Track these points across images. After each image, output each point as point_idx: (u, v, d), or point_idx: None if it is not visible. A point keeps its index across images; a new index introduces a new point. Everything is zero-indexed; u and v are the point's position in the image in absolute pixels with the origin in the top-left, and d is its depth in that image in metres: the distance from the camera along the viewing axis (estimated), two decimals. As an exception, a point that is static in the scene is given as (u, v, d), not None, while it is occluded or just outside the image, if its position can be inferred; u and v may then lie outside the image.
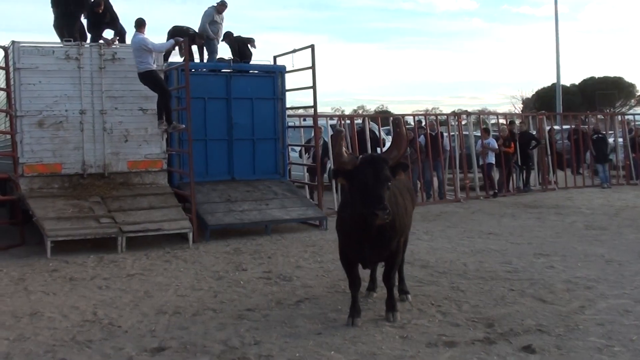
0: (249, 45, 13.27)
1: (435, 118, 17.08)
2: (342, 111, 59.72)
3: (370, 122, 16.22)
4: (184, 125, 11.24)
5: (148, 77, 10.98)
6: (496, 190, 16.39)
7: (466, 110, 17.59)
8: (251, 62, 13.33)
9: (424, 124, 17.64)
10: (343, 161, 5.64)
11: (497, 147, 16.55)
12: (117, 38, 11.75)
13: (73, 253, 9.56)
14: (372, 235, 5.74)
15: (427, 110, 56.42)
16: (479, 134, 17.07)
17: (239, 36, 13.36)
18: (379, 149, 15.46)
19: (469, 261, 8.76)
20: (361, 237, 5.79)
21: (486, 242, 10.17)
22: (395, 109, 73.94)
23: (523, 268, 8.28)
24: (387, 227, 5.74)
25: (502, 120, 18.86)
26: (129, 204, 10.79)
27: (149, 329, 6.05)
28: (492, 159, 16.49)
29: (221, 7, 13.34)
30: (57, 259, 9.20)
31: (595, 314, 6.24)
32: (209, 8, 13.26)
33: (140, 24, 11.02)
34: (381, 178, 5.43)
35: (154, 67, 11.12)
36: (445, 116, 17.58)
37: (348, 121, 15.64)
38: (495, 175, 17.02)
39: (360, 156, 5.75)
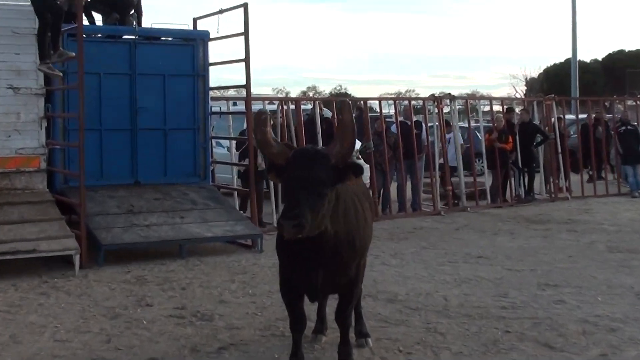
0: None
1: (409, 103, 17.17)
2: (287, 93, 60.05)
3: (324, 109, 16.24)
4: (73, 53, 11.05)
5: None
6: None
7: (449, 94, 17.72)
8: (162, 26, 13.24)
9: (393, 111, 17.77)
10: (272, 152, 5.62)
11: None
12: None
13: None
14: (324, 255, 5.69)
15: (398, 94, 57.31)
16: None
17: None
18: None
19: (451, 294, 8.78)
20: (308, 258, 5.73)
21: (474, 269, 10.23)
22: (357, 91, 74.68)
23: (523, 303, 8.33)
24: (343, 245, 5.73)
25: (497, 107, 19.16)
26: (-9, 215, 10.58)
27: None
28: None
29: None
30: None
31: (619, 365, 6.34)
32: None
33: None
34: (310, 178, 5.32)
35: None
36: (422, 101, 17.69)
37: (293, 106, 15.57)
38: (488, 179, 17.23)
39: (295, 148, 5.72)
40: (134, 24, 13.07)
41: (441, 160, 16.53)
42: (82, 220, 10.66)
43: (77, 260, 10.12)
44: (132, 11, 13.21)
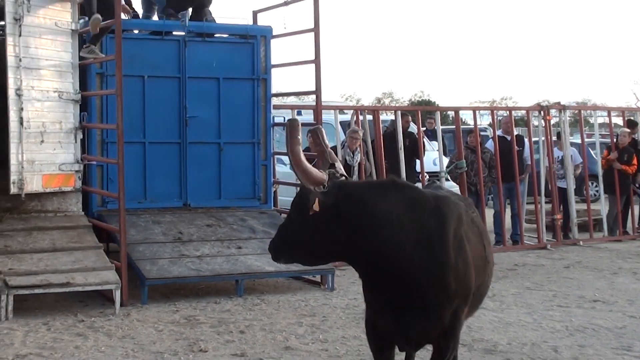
0: None
1: (509, 114, 17.16)
2: (358, 101, 60.10)
3: (410, 122, 16.25)
4: (103, 55, 11.33)
5: None
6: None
7: (558, 103, 17.65)
8: (216, 21, 13.44)
9: (489, 123, 17.77)
10: (313, 178, 5.79)
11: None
12: None
13: None
14: (408, 295, 5.79)
15: (492, 102, 56.98)
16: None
17: None
18: (418, 162, 15.58)
19: (562, 345, 8.77)
20: (391, 297, 5.85)
21: (590, 315, 10.18)
22: (442, 100, 74.13)
23: (650, 357, 8.30)
24: (433, 284, 5.79)
25: (616, 120, 18.95)
26: (19, 242, 10.83)
27: None
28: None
29: None
30: None
31: None
32: None
33: None
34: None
35: None
36: (525, 111, 17.65)
37: (370, 116, 15.68)
38: (605, 207, 17.08)
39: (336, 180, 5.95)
40: (206, 17, 13.18)
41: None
42: (122, 249, 10.78)
43: (117, 296, 10.25)
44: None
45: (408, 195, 5.90)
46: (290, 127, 5.88)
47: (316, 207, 5.62)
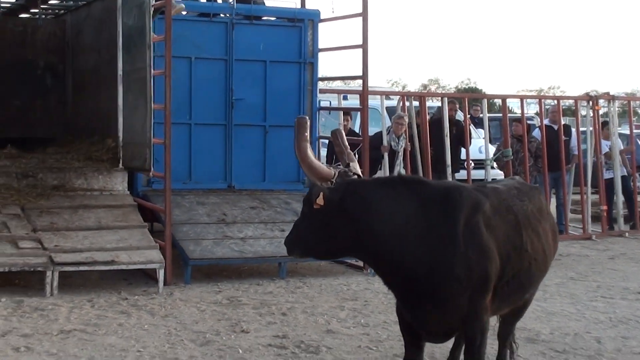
0: None
1: (557, 103, 17.08)
2: (404, 87, 59.97)
3: (458, 110, 16.22)
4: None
5: None
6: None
7: (607, 93, 17.52)
8: (265, 3, 13.48)
9: (536, 112, 17.69)
10: (318, 174, 5.99)
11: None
12: None
13: (-27, 293, 9.77)
14: (418, 289, 5.92)
15: (540, 91, 56.62)
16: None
17: None
18: (464, 150, 15.55)
19: (606, 336, 8.74)
20: (403, 291, 6.07)
21: (634, 307, 10.12)
22: (489, 88, 73.78)
23: (695, 350, 8.25)
24: (441, 275, 5.86)
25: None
26: (65, 220, 10.97)
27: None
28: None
29: None
30: (-52, 301, 9.42)
31: None
32: None
33: None
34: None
35: None
36: (573, 101, 17.54)
37: (416, 102, 15.67)
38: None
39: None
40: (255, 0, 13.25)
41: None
42: (167, 229, 10.90)
43: (161, 275, 10.36)
44: None
45: (415, 191, 6.02)
46: (299, 124, 6.06)
47: (320, 201, 5.85)
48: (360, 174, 6.29)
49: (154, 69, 11.19)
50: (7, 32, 14.63)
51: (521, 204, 6.47)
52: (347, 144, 6.41)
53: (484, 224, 6.00)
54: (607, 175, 16.52)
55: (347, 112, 15.62)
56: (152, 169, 11.12)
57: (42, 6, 14.34)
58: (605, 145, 16.63)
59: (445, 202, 5.96)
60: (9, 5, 14.45)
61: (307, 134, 5.99)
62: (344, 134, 6.57)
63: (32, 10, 14.83)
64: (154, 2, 11.13)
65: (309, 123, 6.09)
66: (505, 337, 7.05)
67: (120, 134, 11.96)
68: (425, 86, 65.62)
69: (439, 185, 6.37)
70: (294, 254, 6.26)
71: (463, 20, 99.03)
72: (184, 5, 11.73)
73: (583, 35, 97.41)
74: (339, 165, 6.29)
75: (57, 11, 14.86)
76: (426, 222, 5.89)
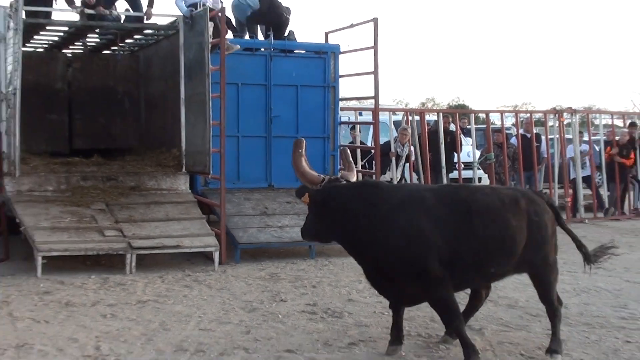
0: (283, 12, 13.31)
1: (530, 116, 17.01)
2: (406, 104, 59.73)
3: (450, 123, 16.16)
4: (238, 46, 11.75)
5: None
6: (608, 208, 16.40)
7: (570, 107, 17.44)
8: (297, 40, 13.50)
9: (513, 123, 17.65)
10: (308, 179, 6.45)
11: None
12: None
13: (70, 272, 9.80)
14: (374, 268, 6.45)
15: (514, 106, 56.25)
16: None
17: None
18: (455, 155, 15.53)
19: (571, 303, 8.71)
20: (367, 269, 6.67)
21: (593, 279, 10.03)
22: (475, 104, 73.37)
23: (643, 314, 8.16)
24: (383, 258, 6.25)
25: (617, 122, 18.68)
26: (141, 213, 11.03)
27: (166, 370, 6.19)
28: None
29: None
30: (50, 279, 9.42)
31: None
32: None
33: None
34: None
35: None
36: (543, 114, 17.47)
37: (417, 117, 15.68)
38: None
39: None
40: (289, 37, 13.25)
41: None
42: (222, 220, 10.97)
43: (216, 256, 10.44)
44: (287, 32, 13.32)
45: (376, 193, 6.32)
46: (295, 144, 6.68)
47: (305, 199, 6.38)
48: (351, 180, 6.62)
49: (211, 93, 11.28)
50: (93, 65, 14.76)
51: (483, 197, 6.49)
52: (350, 159, 7.04)
53: (423, 214, 6.20)
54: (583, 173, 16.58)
55: (354, 126, 15.99)
56: (211, 172, 11.18)
57: (120, 44, 14.40)
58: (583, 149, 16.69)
59: (392, 199, 6.26)
60: (94, 44, 14.52)
61: (302, 150, 6.53)
62: (348, 152, 7.30)
63: (112, 48, 14.88)
64: (211, 40, 11.21)
65: (304, 142, 6.64)
66: (544, 300, 7.14)
67: (183, 145, 11.98)
68: (423, 103, 65.08)
69: (396, 188, 7.01)
70: (306, 239, 6.81)
71: (453, 50, 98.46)
72: (239, 46, 11.81)
73: (548, 58, 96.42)
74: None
75: (132, 48, 14.90)
76: (376, 217, 6.19)
